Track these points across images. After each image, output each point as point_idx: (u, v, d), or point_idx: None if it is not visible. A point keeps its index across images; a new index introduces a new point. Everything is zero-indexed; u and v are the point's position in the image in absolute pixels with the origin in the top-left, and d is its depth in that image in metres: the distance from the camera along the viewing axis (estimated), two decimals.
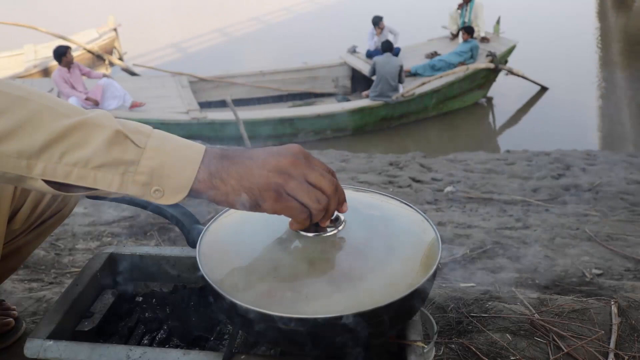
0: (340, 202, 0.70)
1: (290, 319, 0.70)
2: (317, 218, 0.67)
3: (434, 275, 0.83)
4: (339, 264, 0.75)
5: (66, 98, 5.60)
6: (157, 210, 0.87)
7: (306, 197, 0.64)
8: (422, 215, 0.85)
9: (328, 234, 0.74)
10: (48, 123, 0.58)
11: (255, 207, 0.64)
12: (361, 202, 0.87)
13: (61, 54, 5.61)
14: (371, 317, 0.72)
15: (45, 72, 7.83)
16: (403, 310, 0.77)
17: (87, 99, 5.65)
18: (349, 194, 0.85)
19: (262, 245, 0.78)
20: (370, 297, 0.70)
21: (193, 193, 0.63)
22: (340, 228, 0.75)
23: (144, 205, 0.88)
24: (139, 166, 0.60)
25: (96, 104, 5.68)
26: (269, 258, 0.75)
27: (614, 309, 1.28)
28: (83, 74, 5.89)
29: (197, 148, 0.63)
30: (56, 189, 0.61)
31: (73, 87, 5.70)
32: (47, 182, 0.59)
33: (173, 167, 0.61)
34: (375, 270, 0.73)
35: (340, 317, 0.69)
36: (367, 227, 0.80)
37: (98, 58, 8.45)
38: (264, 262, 0.75)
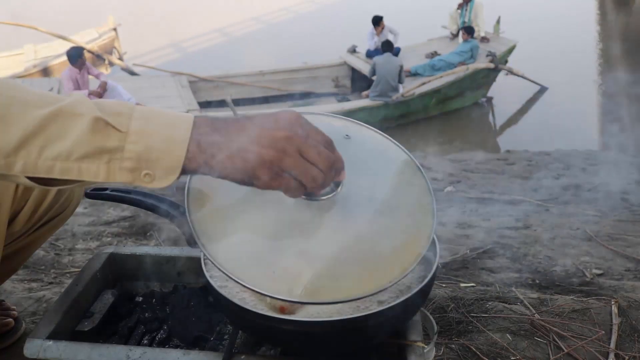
0: (338, 172, 0.66)
1: (290, 321, 0.70)
2: (313, 190, 0.64)
3: (433, 277, 0.83)
4: (333, 238, 0.71)
5: None
6: (155, 209, 0.86)
7: (302, 175, 0.60)
8: (422, 175, 0.81)
9: (324, 198, 0.71)
10: (21, 117, 0.55)
11: (249, 183, 0.61)
12: (361, 145, 0.82)
13: (78, 56, 5.75)
14: (362, 323, 0.72)
15: (45, 72, 7.83)
16: (394, 316, 0.76)
17: (90, 92, 5.74)
18: (351, 127, 0.82)
19: (252, 206, 0.73)
20: (359, 284, 0.68)
21: (185, 172, 0.59)
22: (338, 190, 0.72)
23: (142, 204, 0.88)
24: (125, 152, 0.56)
25: (99, 96, 5.74)
26: (260, 225, 0.71)
27: (615, 309, 1.28)
28: (93, 76, 6.01)
29: (185, 124, 0.59)
30: (42, 183, 0.59)
31: (78, 87, 5.80)
32: (31, 177, 0.57)
33: (160, 149, 0.57)
34: (367, 254, 0.70)
35: (334, 320, 0.69)
36: (364, 189, 0.75)
37: (98, 58, 8.44)
38: (255, 233, 0.71)
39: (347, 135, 0.83)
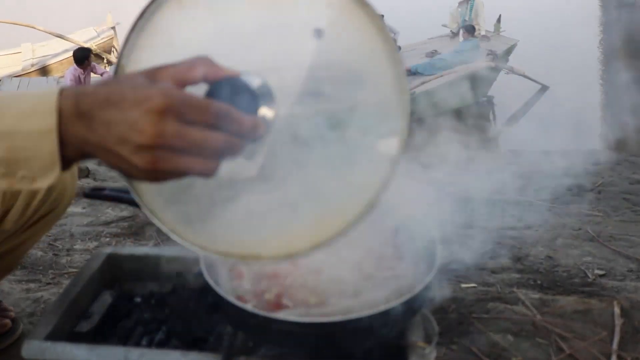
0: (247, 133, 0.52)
1: (289, 323, 0.69)
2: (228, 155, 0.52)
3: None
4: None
5: None
6: None
7: (194, 166, 0.50)
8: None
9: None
10: None
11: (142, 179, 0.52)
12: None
13: (85, 57, 5.94)
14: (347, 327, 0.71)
15: (43, 71, 7.84)
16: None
17: None
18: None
19: None
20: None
21: (71, 163, 0.52)
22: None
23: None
24: None
25: None
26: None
27: (617, 310, 1.27)
28: (98, 75, 6.14)
29: (46, 110, 0.50)
30: None
31: (80, 84, 5.91)
32: None
33: (26, 147, 0.50)
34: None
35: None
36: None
37: (97, 57, 8.45)
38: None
39: (317, 31, 0.58)
